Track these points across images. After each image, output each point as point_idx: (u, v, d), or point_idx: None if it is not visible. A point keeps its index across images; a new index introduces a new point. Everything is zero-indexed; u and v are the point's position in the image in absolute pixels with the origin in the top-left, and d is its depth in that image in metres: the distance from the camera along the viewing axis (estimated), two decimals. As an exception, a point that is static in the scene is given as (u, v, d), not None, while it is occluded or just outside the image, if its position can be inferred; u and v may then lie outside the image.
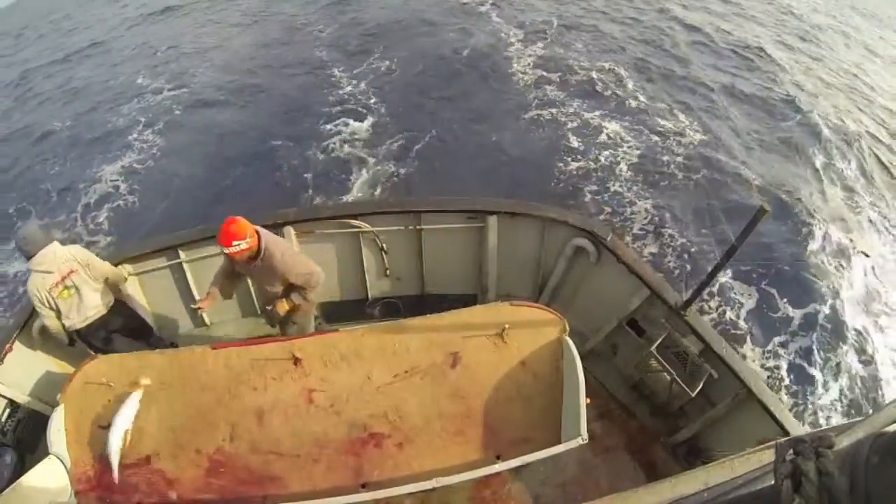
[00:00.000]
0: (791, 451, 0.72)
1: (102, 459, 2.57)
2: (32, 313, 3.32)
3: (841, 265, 6.49)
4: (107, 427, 2.59)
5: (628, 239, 6.56)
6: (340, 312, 4.20)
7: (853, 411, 5.00)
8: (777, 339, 5.57)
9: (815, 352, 5.46)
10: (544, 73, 10.74)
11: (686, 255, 6.33)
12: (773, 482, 0.73)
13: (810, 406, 5.02)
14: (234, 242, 2.62)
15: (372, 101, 10.16)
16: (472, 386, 2.79)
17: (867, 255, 6.67)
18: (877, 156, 8.98)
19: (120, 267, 3.71)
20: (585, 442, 2.38)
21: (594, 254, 3.64)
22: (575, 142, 8.48)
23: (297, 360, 2.82)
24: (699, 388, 3.16)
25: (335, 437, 2.70)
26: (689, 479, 1.11)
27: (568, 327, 2.87)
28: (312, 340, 2.90)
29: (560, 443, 2.49)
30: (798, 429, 2.82)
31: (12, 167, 10.18)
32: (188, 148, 9.51)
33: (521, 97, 9.93)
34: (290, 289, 3.10)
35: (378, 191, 7.69)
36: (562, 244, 3.80)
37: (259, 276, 3.10)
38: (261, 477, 2.62)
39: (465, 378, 2.80)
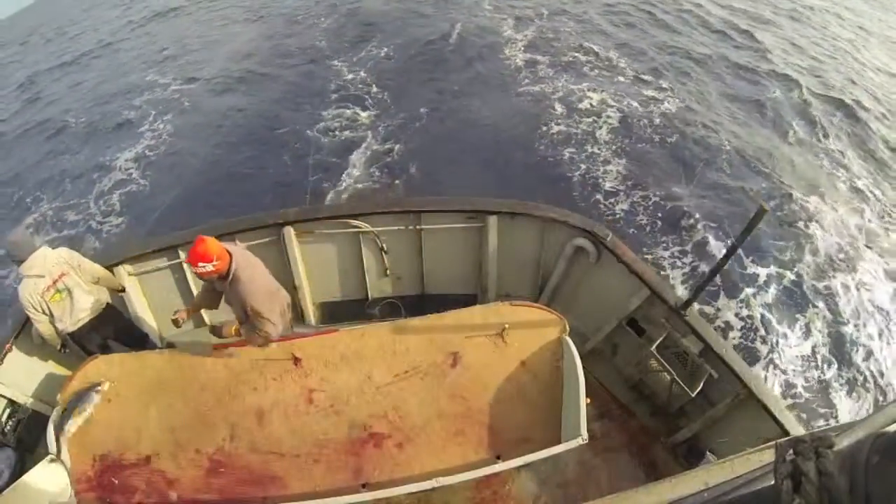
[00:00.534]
0: (791, 451, 0.73)
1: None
2: None
3: (840, 259, 6.50)
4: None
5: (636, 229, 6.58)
6: (340, 312, 4.20)
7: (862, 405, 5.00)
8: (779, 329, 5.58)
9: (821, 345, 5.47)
10: (537, 57, 11.38)
11: (686, 255, 6.33)
12: (773, 482, 0.73)
13: (810, 406, 5.01)
14: (200, 264, 2.58)
15: (372, 88, 10.66)
16: (473, 386, 2.80)
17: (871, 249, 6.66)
18: (870, 128, 9.16)
19: (120, 267, 3.71)
20: (585, 442, 2.38)
21: (594, 254, 3.63)
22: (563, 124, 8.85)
23: (297, 360, 2.83)
24: (699, 388, 3.15)
25: (335, 437, 2.70)
26: (689, 479, 1.11)
27: (568, 327, 2.87)
28: (313, 340, 2.90)
29: (560, 443, 2.49)
30: (798, 429, 2.81)
31: (28, 159, 10.54)
32: (197, 134, 9.94)
33: (512, 78, 10.53)
34: (248, 319, 2.89)
35: (378, 174, 7.89)
36: (562, 244, 3.79)
37: (226, 296, 2.97)
38: (261, 477, 2.62)
39: (465, 378, 2.81)
